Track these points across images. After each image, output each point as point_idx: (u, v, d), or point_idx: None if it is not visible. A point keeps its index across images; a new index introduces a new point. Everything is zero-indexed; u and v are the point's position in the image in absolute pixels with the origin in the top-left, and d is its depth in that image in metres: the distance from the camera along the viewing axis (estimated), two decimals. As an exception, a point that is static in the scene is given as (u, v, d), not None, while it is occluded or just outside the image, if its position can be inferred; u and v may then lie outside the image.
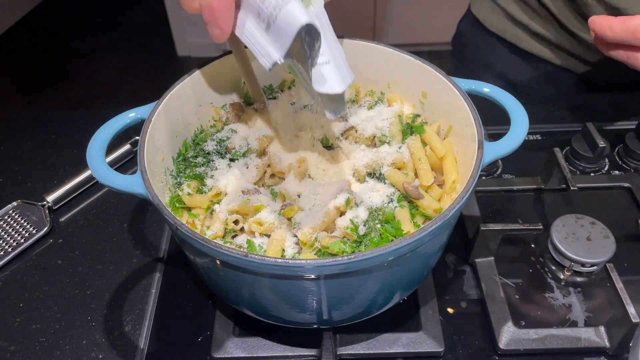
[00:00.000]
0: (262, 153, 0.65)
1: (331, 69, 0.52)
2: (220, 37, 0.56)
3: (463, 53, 1.18)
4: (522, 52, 1.04)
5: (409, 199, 0.61)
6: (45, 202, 0.81)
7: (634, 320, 0.58)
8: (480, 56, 1.12)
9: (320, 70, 0.52)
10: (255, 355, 0.64)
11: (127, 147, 0.89)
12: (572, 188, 0.75)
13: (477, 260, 0.72)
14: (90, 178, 0.85)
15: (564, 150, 0.86)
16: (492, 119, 0.88)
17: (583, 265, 0.69)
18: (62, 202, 0.83)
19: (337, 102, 0.56)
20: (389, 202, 0.61)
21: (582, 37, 0.92)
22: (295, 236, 0.58)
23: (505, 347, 0.63)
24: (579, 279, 0.70)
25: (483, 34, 1.09)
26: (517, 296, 0.69)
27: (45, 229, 0.79)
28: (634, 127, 0.89)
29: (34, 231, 0.79)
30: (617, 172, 0.84)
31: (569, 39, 0.96)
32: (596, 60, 0.96)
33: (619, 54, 0.69)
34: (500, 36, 1.06)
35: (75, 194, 0.85)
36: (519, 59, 1.05)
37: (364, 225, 0.57)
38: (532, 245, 0.75)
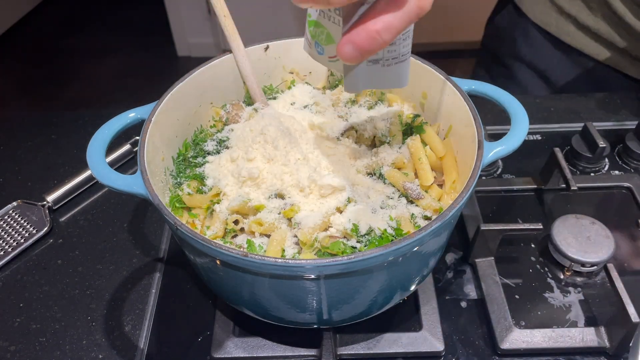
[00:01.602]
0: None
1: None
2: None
3: (498, 48, 1.12)
4: (564, 46, 1.00)
5: (409, 198, 0.61)
6: (45, 202, 0.81)
7: (634, 320, 0.58)
8: (517, 50, 1.07)
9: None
10: (255, 355, 0.64)
11: (127, 147, 0.89)
12: (572, 188, 0.75)
13: (477, 260, 0.72)
14: (90, 178, 0.85)
15: (564, 150, 0.86)
16: (492, 119, 0.89)
17: (583, 265, 0.69)
18: (62, 202, 0.83)
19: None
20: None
21: (637, 28, 0.89)
22: (295, 236, 0.58)
23: (505, 347, 0.63)
24: (579, 279, 0.70)
25: (523, 26, 1.05)
26: (517, 296, 0.69)
27: (45, 229, 0.79)
28: (634, 127, 0.89)
29: (34, 231, 0.79)
30: (617, 172, 0.84)
31: (622, 32, 0.92)
32: None
33: None
34: (542, 28, 1.02)
35: (75, 194, 0.85)
36: (561, 53, 1.01)
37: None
38: (532, 245, 0.75)
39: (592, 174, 0.84)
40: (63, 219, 0.82)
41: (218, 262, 0.52)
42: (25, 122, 0.99)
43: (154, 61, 3.07)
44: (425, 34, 2.82)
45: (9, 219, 0.80)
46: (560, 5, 0.97)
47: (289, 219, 0.59)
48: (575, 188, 0.75)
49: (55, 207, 0.82)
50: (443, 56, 2.85)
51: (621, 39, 0.93)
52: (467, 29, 2.80)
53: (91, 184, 0.86)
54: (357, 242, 0.56)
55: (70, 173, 0.86)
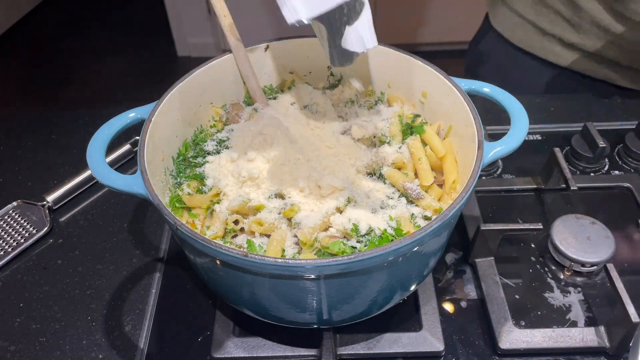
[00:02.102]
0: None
1: (367, 27, 0.54)
2: None
3: (483, 75, 1.14)
4: (552, 66, 1.01)
5: (409, 198, 0.61)
6: (45, 202, 0.81)
7: (634, 320, 0.58)
8: (505, 75, 1.08)
9: (356, 29, 0.53)
10: (255, 355, 0.64)
11: (127, 147, 0.89)
12: (572, 188, 0.75)
13: (477, 260, 0.72)
14: (91, 178, 0.85)
15: (564, 150, 0.86)
16: (492, 119, 0.89)
17: (583, 265, 0.69)
18: (62, 202, 0.83)
19: (349, 56, 0.57)
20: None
21: (624, 38, 0.89)
22: (295, 236, 0.58)
23: (505, 347, 0.63)
24: (579, 279, 0.70)
25: (508, 50, 1.05)
26: (517, 296, 0.69)
27: (45, 229, 0.79)
28: (634, 127, 0.89)
29: (34, 231, 0.79)
30: (617, 172, 0.84)
31: (609, 44, 0.92)
32: (635, 63, 0.93)
33: None
34: (528, 52, 1.02)
35: (75, 194, 0.85)
36: (550, 73, 1.02)
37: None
38: (532, 245, 0.75)
39: (592, 174, 0.84)
40: (63, 219, 0.82)
41: (218, 262, 0.52)
42: (25, 122, 0.99)
43: (154, 61, 3.07)
44: (427, 34, 2.83)
45: (9, 219, 0.80)
46: (542, 27, 0.98)
47: (289, 219, 0.59)
48: (575, 188, 0.75)
49: (55, 207, 0.82)
50: (443, 56, 2.85)
51: (609, 51, 0.94)
52: (467, 29, 2.80)
53: (91, 184, 0.86)
54: (357, 242, 0.56)
55: (70, 173, 0.86)
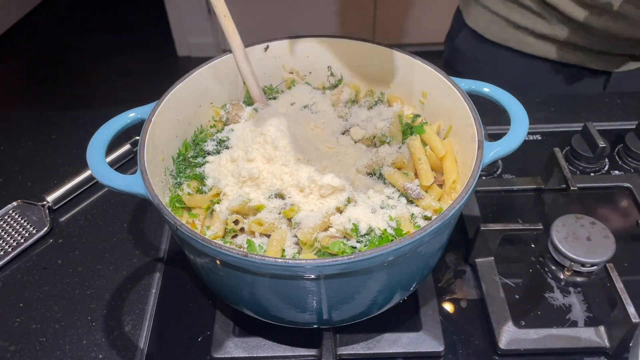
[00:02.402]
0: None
1: None
2: None
3: (461, 69, 1.17)
4: (527, 57, 1.04)
5: (409, 198, 0.61)
6: (45, 202, 0.81)
7: (634, 320, 0.58)
8: (481, 69, 1.11)
9: None
10: (255, 355, 0.64)
11: (127, 147, 0.89)
12: (572, 188, 0.75)
13: (477, 260, 0.72)
14: (91, 178, 0.85)
15: (564, 150, 0.86)
16: (492, 119, 0.89)
17: (583, 265, 0.69)
18: (62, 202, 0.83)
19: None
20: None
21: (592, 26, 0.92)
22: (295, 236, 0.58)
23: (505, 347, 0.63)
24: (579, 279, 0.70)
25: (483, 45, 1.09)
26: (517, 296, 0.69)
27: (45, 229, 0.79)
28: (634, 127, 0.89)
29: (34, 231, 0.79)
30: (617, 172, 0.84)
31: (579, 32, 0.95)
32: (605, 47, 0.96)
33: None
34: (503, 45, 1.05)
35: (75, 194, 0.85)
36: (525, 63, 1.05)
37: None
38: (532, 245, 0.75)
39: (592, 174, 0.84)
40: (63, 219, 0.82)
41: (218, 262, 0.52)
42: (25, 122, 0.99)
43: (154, 61, 3.07)
44: (426, 34, 2.83)
45: (9, 219, 0.80)
46: (515, 21, 1.01)
47: (289, 219, 0.59)
48: (575, 188, 0.75)
49: (55, 207, 0.82)
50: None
51: (580, 38, 0.97)
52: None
53: (91, 184, 0.86)
54: (357, 242, 0.56)
55: (70, 173, 0.86)
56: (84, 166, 0.86)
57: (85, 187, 0.86)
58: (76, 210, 0.83)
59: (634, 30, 0.91)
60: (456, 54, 1.17)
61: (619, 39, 0.93)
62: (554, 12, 0.95)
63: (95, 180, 0.85)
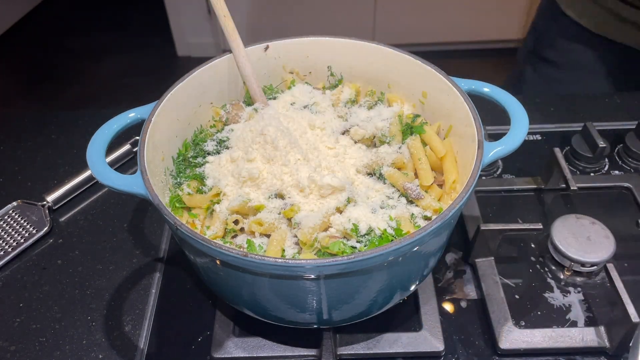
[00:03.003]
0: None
1: None
2: None
3: (553, 58, 1.16)
4: (627, 48, 1.03)
5: (409, 199, 0.61)
6: (45, 202, 0.81)
7: (634, 320, 0.58)
8: (577, 58, 1.11)
9: None
10: (255, 355, 0.64)
11: (127, 147, 0.89)
12: (572, 188, 0.75)
13: (477, 260, 0.72)
14: (90, 178, 0.85)
15: (564, 150, 0.86)
16: (492, 119, 0.89)
17: (583, 265, 0.69)
18: (62, 202, 0.83)
19: None
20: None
21: None
22: (295, 236, 0.58)
23: (505, 347, 0.63)
24: (579, 279, 0.70)
25: (582, 35, 1.08)
26: (517, 296, 0.69)
27: (45, 229, 0.79)
28: (634, 127, 0.89)
29: (34, 231, 0.79)
30: (617, 172, 0.84)
31: None
32: None
33: None
34: (602, 35, 1.05)
35: (75, 194, 0.85)
36: (624, 55, 1.05)
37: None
38: (532, 245, 0.75)
39: (592, 174, 0.84)
40: (63, 219, 0.82)
41: (218, 262, 0.52)
42: (25, 122, 0.99)
43: (154, 61, 3.07)
44: (427, 34, 2.83)
45: (9, 219, 0.80)
46: (620, 14, 1.01)
47: (289, 219, 0.59)
48: (575, 188, 0.75)
49: (55, 207, 0.82)
50: (443, 56, 2.85)
51: None
52: (466, 29, 2.80)
53: (91, 184, 0.86)
54: (357, 242, 0.56)
55: (70, 173, 0.86)
56: (84, 166, 0.86)
57: (85, 187, 0.86)
58: (76, 210, 0.83)
59: None
60: (548, 43, 1.16)
61: None
62: None
63: (95, 180, 0.85)
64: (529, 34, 1.24)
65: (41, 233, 0.78)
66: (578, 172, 0.84)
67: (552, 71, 1.17)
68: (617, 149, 0.87)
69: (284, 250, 0.57)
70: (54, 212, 0.83)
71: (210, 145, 0.67)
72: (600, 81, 1.11)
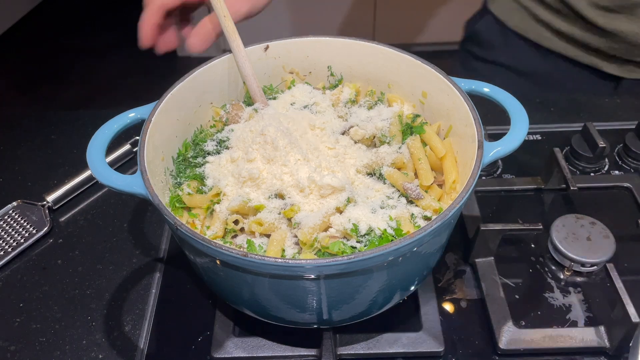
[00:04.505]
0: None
1: None
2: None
3: (475, 52, 1.19)
4: (543, 50, 1.05)
5: (409, 199, 0.61)
6: (45, 202, 0.81)
7: (634, 320, 0.58)
8: (498, 55, 1.13)
9: None
10: (255, 355, 0.64)
11: (127, 147, 0.89)
12: (572, 188, 0.75)
13: (477, 260, 0.72)
14: (90, 178, 0.85)
15: (564, 150, 0.86)
16: (492, 119, 0.89)
17: (583, 265, 0.69)
18: (62, 202, 0.83)
19: None
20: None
21: (605, 28, 0.93)
22: (295, 236, 0.58)
23: (505, 347, 0.63)
24: (579, 279, 0.70)
25: (502, 33, 1.10)
26: (517, 296, 0.69)
27: (45, 229, 0.79)
28: (634, 127, 0.89)
29: (34, 231, 0.79)
30: (617, 172, 0.84)
31: (594, 35, 0.97)
32: (622, 53, 0.97)
33: None
34: (522, 35, 1.07)
35: (75, 194, 0.85)
36: (541, 57, 1.07)
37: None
38: (532, 245, 0.75)
39: (592, 174, 0.84)
40: (63, 219, 0.82)
41: (218, 262, 0.52)
42: (25, 122, 0.99)
43: (154, 61, 3.06)
44: (427, 34, 2.82)
45: (9, 219, 0.80)
46: (536, 14, 1.02)
47: (289, 219, 0.59)
48: (575, 188, 0.75)
49: (55, 207, 0.82)
50: (443, 56, 2.84)
51: (594, 40, 0.97)
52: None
53: (91, 184, 0.86)
54: (357, 242, 0.56)
55: (70, 173, 0.86)
56: (84, 166, 0.86)
57: (85, 187, 0.85)
58: (76, 210, 0.83)
59: None
60: (475, 38, 1.19)
61: (631, 44, 0.94)
62: (571, 11, 0.96)
63: (95, 180, 0.85)
64: (464, 27, 1.26)
65: (41, 233, 0.78)
66: (578, 172, 0.84)
67: (477, 65, 1.19)
68: (617, 149, 0.87)
69: (284, 250, 0.57)
70: (54, 212, 0.83)
71: (210, 146, 0.67)
72: (521, 81, 1.13)
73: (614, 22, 0.93)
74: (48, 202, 0.81)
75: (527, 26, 1.05)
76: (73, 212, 0.83)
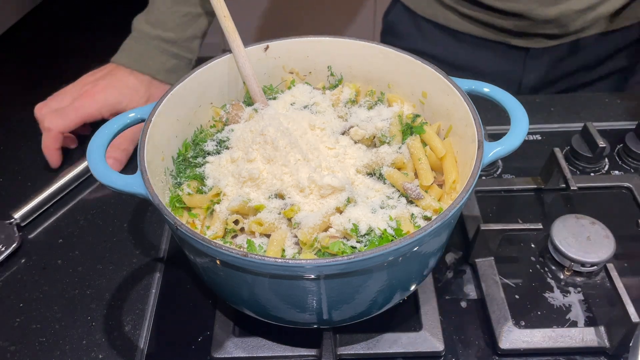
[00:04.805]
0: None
1: None
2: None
3: (394, 43, 1.21)
4: (454, 32, 1.09)
5: (409, 199, 0.61)
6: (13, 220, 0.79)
7: (634, 320, 0.58)
8: (413, 43, 1.16)
9: None
10: (255, 355, 0.64)
11: (127, 147, 0.89)
12: (572, 188, 0.75)
13: (477, 260, 0.72)
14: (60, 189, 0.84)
15: (564, 150, 0.86)
16: (492, 119, 0.89)
17: (583, 265, 0.69)
18: (57, 199, 0.83)
19: None
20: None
21: (509, 11, 0.98)
22: (295, 236, 0.58)
23: (505, 347, 0.63)
24: (579, 279, 0.70)
25: (414, 20, 1.14)
26: (517, 296, 0.69)
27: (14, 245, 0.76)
28: (634, 127, 0.89)
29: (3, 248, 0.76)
30: (617, 172, 0.84)
31: (494, 14, 1.01)
32: (527, 28, 1.01)
33: None
34: (431, 20, 1.10)
35: (74, 192, 0.85)
36: (453, 39, 1.10)
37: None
38: (532, 245, 0.75)
39: (592, 174, 0.84)
40: (63, 218, 0.82)
41: (218, 262, 0.52)
42: (26, 122, 0.99)
43: (154, 61, 3.06)
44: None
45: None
46: (442, 0, 1.07)
47: (289, 219, 0.59)
48: (575, 188, 0.75)
49: (55, 207, 0.82)
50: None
51: (498, 22, 1.01)
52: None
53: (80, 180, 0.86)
54: (357, 242, 0.56)
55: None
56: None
57: (80, 184, 0.86)
58: (75, 210, 0.83)
59: (541, 9, 0.96)
60: (390, 29, 1.22)
61: (533, 20, 0.98)
62: None
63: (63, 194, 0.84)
64: (382, 31, 1.30)
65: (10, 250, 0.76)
66: (578, 172, 0.84)
67: None
68: (617, 149, 0.87)
69: (284, 250, 0.57)
70: (54, 211, 0.82)
71: (210, 146, 0.67)
72: (438, 66, 1.16)
73: (508, 4, 0.97)
74: (16, 219, 0.79)
75: (435, 11, 1.08)
76: (73, 211, 0.83)
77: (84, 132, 0.89)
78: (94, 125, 0.88)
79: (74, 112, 0.83)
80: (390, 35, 1.23)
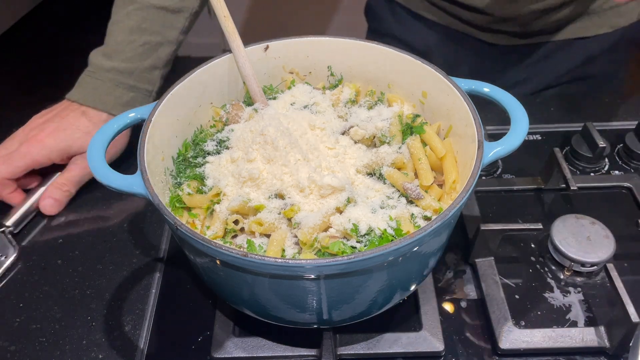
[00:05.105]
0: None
1: None
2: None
3: (376, 27, 1.22)
4: (431, 23, 1.08)
5: (409, 199, 0.61)
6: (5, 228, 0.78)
7: (634, 320, 0.58)
8: (389, 28, 1.16)
9: None
10: (255, 355, 0.64)
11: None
12: (572, 188, 0.75)
13: (477, 260, 0.72)
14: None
15: (564, 150, 0.86)
16: (492, 119, 0.89)
17: (583, 265, 0.69)
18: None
19: None
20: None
21: (469, 5, 0.98)
22: (295, 236, 0.58)
23: (505, 347, 0.63)
24: (579, 279, 0.70)
25: (389, 5, 1.14)
26: (517, 296, 0.69)
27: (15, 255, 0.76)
28: (634, 127, 0.89)
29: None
30: (617, 172, 0.84)
31: (466, 10, 1.01)
32: (490, 24, 1.01)
33: None
34: (405, 6, 1.11)
35: (74, 195, 0.84)
36: (432, 29, 1.10)
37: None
38: (532, 245, 0.75)
39: (592, 174, 0.84)
40: (63, 218, 0.82)
41: (218, 262, 0.52)
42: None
43: (154, 61, 3.06)
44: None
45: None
46: None
47: (289, 219, 0.59)
48: (575, 188, 0.75)
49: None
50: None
51: (463, 14, 1.02)
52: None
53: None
54: (357, 242, 0.56)
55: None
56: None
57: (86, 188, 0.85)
58: (75, 210, 0.83)
59: (498, 6, 0.95)
60: (370, 10, 1.22)
61: (493, 16, 0.97)
62: None
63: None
64: (367, 18, 1.29)
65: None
66: (578, 172, 0.84)
67: (375, 38, 1.22)
68: (617, 149, 0.87)
69: (284, 250, 0.57)
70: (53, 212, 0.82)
71: (210, 146, 0.67)
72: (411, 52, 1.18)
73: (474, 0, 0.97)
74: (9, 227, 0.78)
75: (414, 1, 1.09)
76: (72, 211, 0.83)
77: (31, 186, 0.82)
78: (43, 174, 0.83)
79: (21, 158, 0.77)
80: (371, 19, 1.24)
